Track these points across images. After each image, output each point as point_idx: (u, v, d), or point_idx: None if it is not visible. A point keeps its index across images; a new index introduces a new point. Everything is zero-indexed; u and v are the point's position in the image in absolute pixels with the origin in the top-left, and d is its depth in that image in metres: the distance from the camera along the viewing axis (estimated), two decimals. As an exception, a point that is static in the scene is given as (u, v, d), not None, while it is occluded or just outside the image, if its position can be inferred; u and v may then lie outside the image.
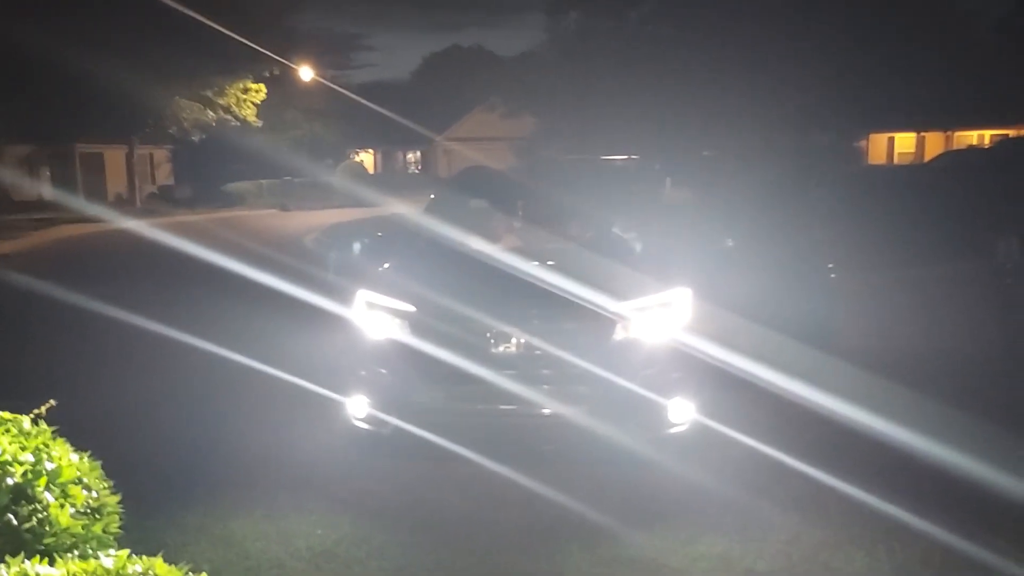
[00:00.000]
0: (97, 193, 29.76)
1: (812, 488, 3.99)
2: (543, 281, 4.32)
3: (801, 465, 4.14)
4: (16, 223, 21.29)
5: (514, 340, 4.21)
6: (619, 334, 4.25)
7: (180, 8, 19.20)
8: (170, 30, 21.33)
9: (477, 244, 5.02)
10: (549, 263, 4.58)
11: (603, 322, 4.23)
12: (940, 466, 3.99)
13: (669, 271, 4.77)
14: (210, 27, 20.31)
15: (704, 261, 5.65)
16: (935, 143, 26.97)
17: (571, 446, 4.34)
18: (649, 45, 18.88)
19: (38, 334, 8.17)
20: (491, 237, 5.13)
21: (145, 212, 26.14)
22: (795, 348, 5.25)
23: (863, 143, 23.83)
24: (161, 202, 29.49)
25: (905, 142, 28.02)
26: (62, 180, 29.42)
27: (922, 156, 26.71)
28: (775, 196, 13.78)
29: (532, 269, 4.47)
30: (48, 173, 30.56)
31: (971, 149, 19.93)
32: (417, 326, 4.34)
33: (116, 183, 31.96)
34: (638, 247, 5.34)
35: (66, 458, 2.67)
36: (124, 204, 28.70)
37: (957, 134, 26.71)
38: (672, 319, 4.35)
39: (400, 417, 4.27)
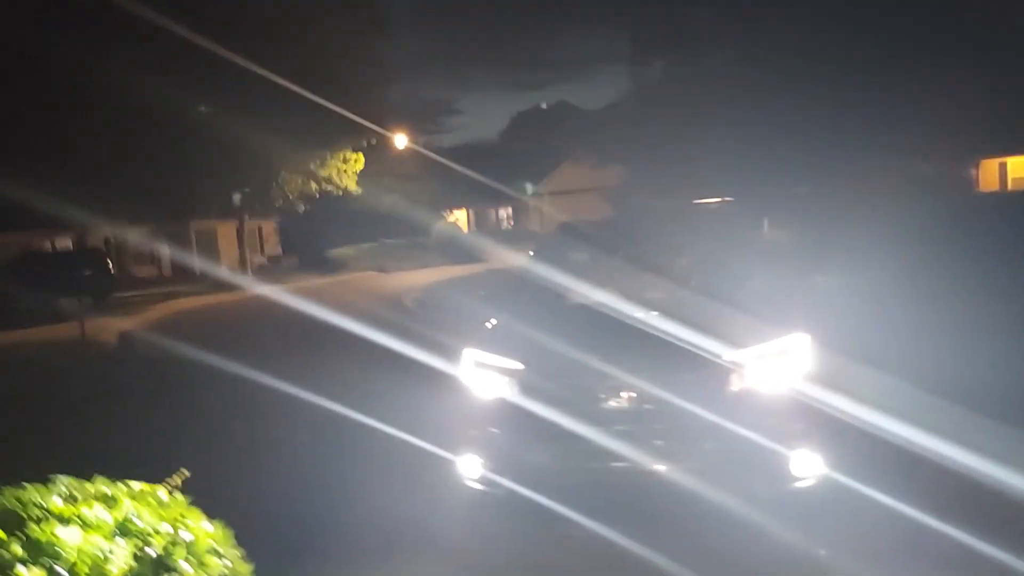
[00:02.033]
0: (211, 266, 31.50)
1: (957, 551, 3.68)
2: (651, 332, 4.24)
3: (942, 525, 3.84)
4: (138, 299, 22.71)
5: (624, 394, 4.14)
6: (735, 384, 4.12)
7: (286, 84, 20.27)
8: (273, 108, 22.53)
9: (581, 297, 5.00)
10: (656, 312, 4.48)
11: (718, 372, 4.10)
12: None
13: (785, 316, 4.59)
14: (311, 103, 21.36)
15: (817, 304, 5.42)
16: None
17: (689, 505, 4.18)
18: (734, 87, 18.70)
19: (165, 402, 8.61)
20: (594, 289, 5.09)
21: (255, 282, 27.41)
22: (920, 394, 4.93)
23: (977, 170, 22.65)
24: (270, 271, 30.92)
25: (1020, 167, 26.45)
26: (179, 256, 31.30)
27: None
28: (879, 230, 13.23)
29: (639, 320, 4.40)
30: (167, 250, 32.57)
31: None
32: (525, 384, 4.34)
33: (228, 256, 33.75)
34: (748, 291, 5.18)
35: (201, 528, 2.77)
36: (236, 275, 30.21)
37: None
38: (791, 366, 4.18)
39: (512, 478, 4.24)
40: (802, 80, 17.49)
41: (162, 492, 2.96)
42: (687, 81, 19.27)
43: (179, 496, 2.96)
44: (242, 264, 30.77)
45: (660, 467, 4.04)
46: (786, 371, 4.16)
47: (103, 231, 29.56)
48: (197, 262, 30.28)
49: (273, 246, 37.91)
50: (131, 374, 10.49)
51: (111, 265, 24.10)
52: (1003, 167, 26.58)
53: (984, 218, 13.71)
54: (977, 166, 23.71)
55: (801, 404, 4.09)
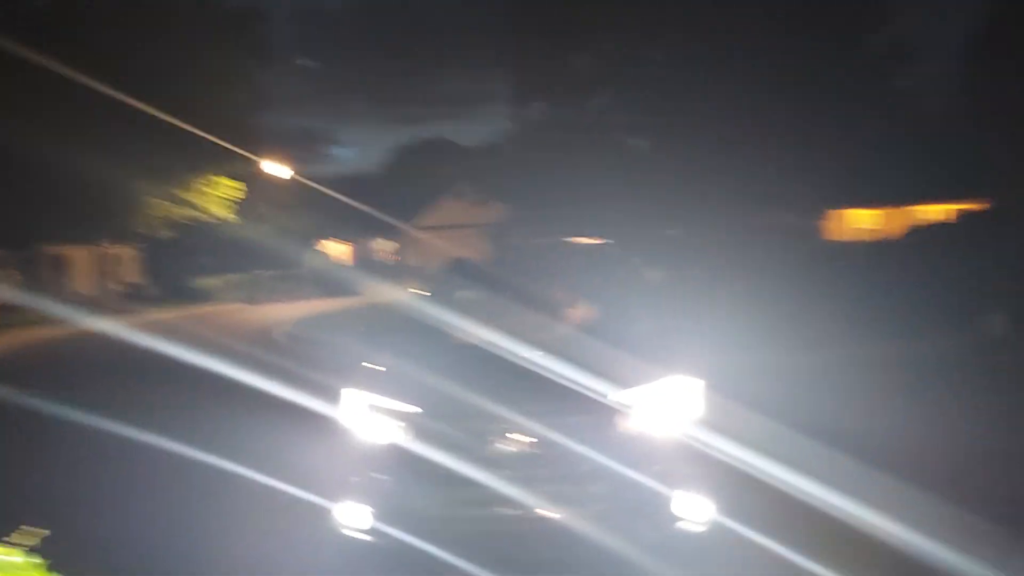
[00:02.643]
0: (64, 294, 29.28)
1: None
2: (540, 373, 4.22)
3: (822, 568, 3.97)
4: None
5: (513, 437, 4.08)
6: (622, 425, 4.14)
7: (150, 109, 19.35)
8: (138, 131, 21.45)
9: (468, 336, 4.93)
10: (544, 353, 4.46)
11: (605, 413, 4.12)
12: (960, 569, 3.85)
13: (673, 357, 4.68)
14: (178, 127, 20.45)
15: (698, 345, 5.58)
16: (897, 218, 27.67)
17: (577, 550, 4.15)
18: (608, 131, 19.38)
19: (10, 448, 7.81)
20: (484, 328, 5.01)
21: (113, 312, 25.66)
22: (796, 435, 5.15)
23: (830, 220, 24.38)
24: (128, 300, 29.05)
25: (867, 218, 28.72)
26: (29, 282, 28.94)
27: (884, 232, 27.36)
28: (743, 274, 13.99)
29: (528, 360, 4.36)
30: (15, 277, 30.04)
31: (936, 224, 20.48)
32: (413, 426, 4.20)
33: (83, 283, 31.50)
34: (632, 331, 5.26)
35: (61, 596, 2.48)
36: (92, 304, 28.20)
37: (918, 209, 27.45)
38: (680, 409, 4.26)
39: (400, 527, 4.07)
40: (672, 128, 18.36)
41: (17, 556, 2.64)
42: (564, 124, 19.80)
43: (38, 560, 2.64)
44: (99, 292, 28.79)
45: (549, 512, 4.00)
46: (672, 412, 4.23)
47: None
48: (49, 290, 28.11)
49: (133, 274, 35.70)
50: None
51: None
52: (852, 218, 28.79)
53: (837, 264, 14.80)
54: (831, 216, 25.52)
55: (687, 446, 4.16)
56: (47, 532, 2.84)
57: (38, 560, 2.64)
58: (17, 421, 8.29)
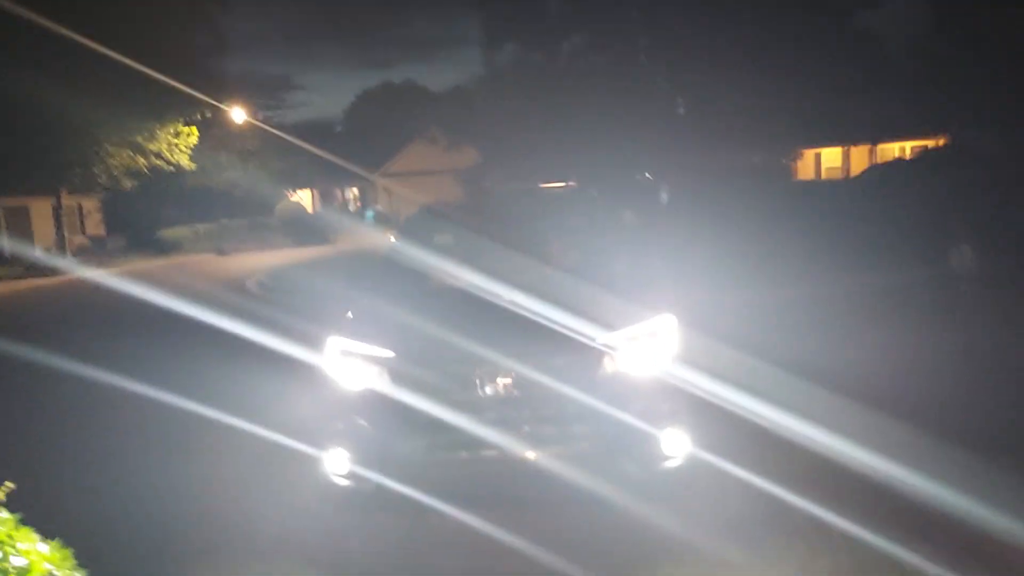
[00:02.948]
0: (23, 248, 28.63)
1: (813, 520, 3.91)
2: (520, 316, 4.19)
3: (798, 498, 4.07)
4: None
5: (496, 381, 4.06)
6: (607, 367, 4.15)
7: (108, 52, 18.70)
8: (96, 75, 20.77)
9: (446, 281, 4.88)
10: (527, 295, 4.43)
11: (589, 355, 4.11)
12: (929, 494, 3.96)
13: (651, 297, 4.68)
14: (137, 71, 19.82)
15: (677, 285, 5.60)
16: (860, 157, 27.93)
17: (562, 490, 4.20)
18: (581, 75, 19.13)
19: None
20: (460, 272, 4.97)
21: (76, 265, 25.20)
22: (777, 371, 5.22)
23: (795, 159, 24.46)
24: (93, 253, 28.50)
25: (832, 157, 28.94)
26: (-16, 236, 28.25)
27: (849, 170, 27.61)
28: (716, 216, 14.03)
29: (510, 303, 4.33)
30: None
31: (897, 161, 20.66)
32: (395, 372, 4.17)
33: (43, 236, 30.79)
34: (611, 273, 5.23)
35: (34, 551, 2.42)
36: (54, 258, 27.63)
37: (880, 147, 27.71)
38: (660, 348, 4.27)
39: (382, 471, 4.07)
40: (644, 72, 18.19)
41: (-17, 510, 2.58)
42: (537, 66, 19.49)
43: (4, 513, 2.58)
44: (60, 245, 28.15)
45: (532, 453, 4.01)
46: (655, 352, 4.24)
47: None
48: (6, 242, 27.43)
49: (96, 226, 34.94)
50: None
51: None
52: (818, 157, 28.98)
53: (802, 203, 14.91)
54: (797, 156, 25.63)
55: (669, 384, 4.19)
56: (13, 486, 2.77)
57: (6, 515, 2.58)
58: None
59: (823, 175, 28.69)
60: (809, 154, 28.17)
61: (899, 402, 5.45)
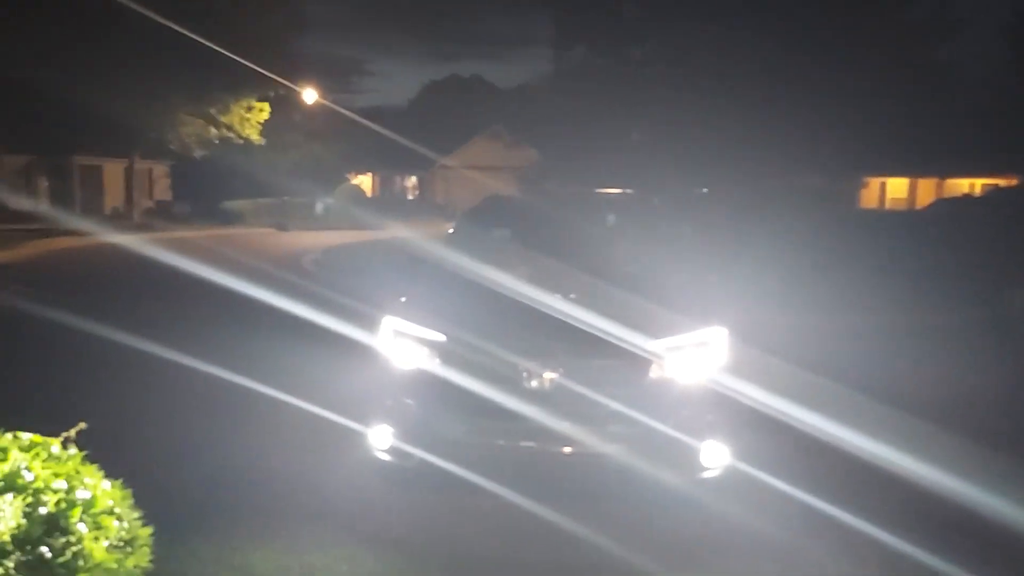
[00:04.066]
0: (94, 206, 29.66)
1: (853, 536, 3.92)
2: (575, 317, 4.27)
3: (841, 512, 4.08)
4: (10, 233, 21.11)
5: (545, 376, 4.15)
6: (653, 373, 4.20)
7: (187, 28, 19.29)
8: (176, 48, 21.41)
9: (504, 275, 4.97)
10: (580, 297, 4.50)
11: (636, 361, 4.17)
12: (984, 513, 3.95)
13: (704, 309, 4.71)
14: (216, 47, 20.40)
15: (730, 298, 5.60)
16: (927, 189, 27.25)
17: (597, 486, 4.28)
18: (649, 84, 19.06)
19: (38, 350, 8.04)
20: (518, 268, 5.06)
21: (142, 227, 26.02)
22: (829, 389, 5.21)
23: (861, 187, 24.01)
24: (158, 217, 29.37)
25: (898, 187, 28.31)
26: (59, 192, 29.30)
27: (914, 202, 26.98)
28: (775, 235, 13.88)
29: (564, 304, 4.41)
30: (46, 184, 30.42)
31: (965, 198, 20.16)
32: (446, 356, 4.29)
33: (114, 197, 31.86)
34: (664, 282, 5.26)
35: (99, 486, 2.60)
36: (120, 218, 28.57)
37: (948, 181, 27.02)
38: (708, 359, 4.30)
39: (425, 449, 4.20)
40: (713, 85, 18.01)
41: (55, 446, 2.76)
42: (605, 71, 19.47)
43: (74, 450, 2.77)
44: (129, 206, 29.08)
45: (569, 449, 4.09)
46: (702, 363, 4.28)
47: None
48: (80, 200, 28.45)
49: (164, 191, 35.98)
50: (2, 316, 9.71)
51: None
52: (883, 186, 28.37)
53: (862, 231, 14.66)
54: (862, 184, 25.14)
55: (714, 395, 4.22)
56: (85, 426, 2.96)
57: (75, 451, 2.76)
58: (55, 322, 8.49)
59: (887, 205, 28.08)
60: (875, 182, 27.59)
61: (943, 416, 5.42)
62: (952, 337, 8.62)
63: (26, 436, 2.76)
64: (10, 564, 2.08)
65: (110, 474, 2.77)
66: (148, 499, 2.85)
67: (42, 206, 30.91)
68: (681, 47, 18.70)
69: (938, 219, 14.25)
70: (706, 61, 18.18)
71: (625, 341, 4.11)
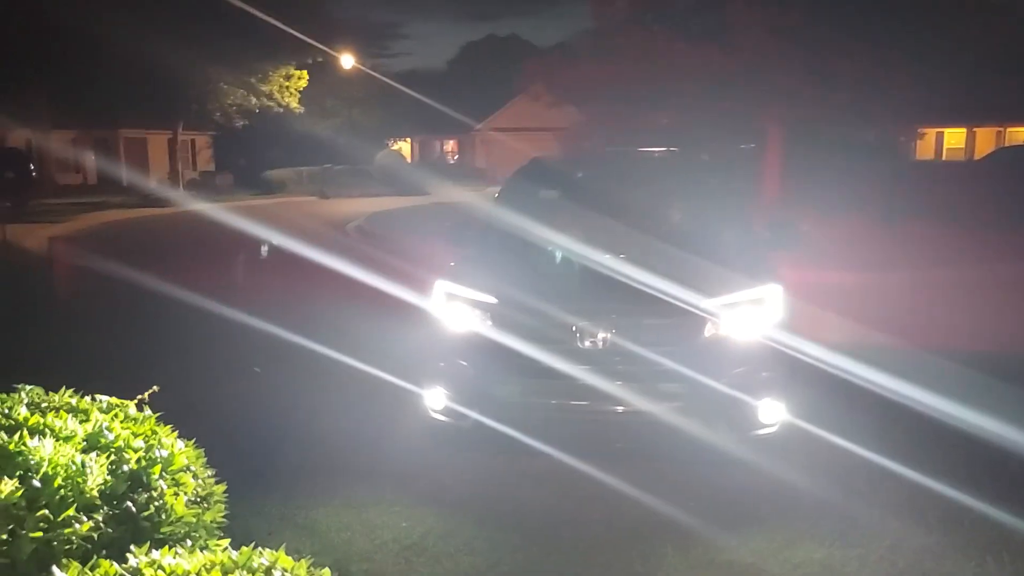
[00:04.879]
0: (140, 178, 30.21)
1: (910, 492, 3.85)
2: (627, 276, 4.21)
3: (898, 467, 4.01)
4: (60, 207, 21.63)
5: (599, 335, 4.11)
6: (708, 331, 4.14)
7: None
8: (214, 16, 21.52)
9: (554, 236, 4.92)
10: (632, 257, 4.44)
11: (691, 319, 4.10)
12: None
13: (759, 266, 4.62)
14: (253, 14, 20.45)
15: (782, 254, 5.48)
16: (986, 139, 26.31)
17: (652, 445, 4.26)
18: (692, 36, 18.58)
19: (111, 316, 8.26)
20: (567, 229, 5.01)
21: (188, 197, 26.44)
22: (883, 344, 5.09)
23: (916, 138, 23.27)
24: (202, 188, 29.82)
25: (955, 138, 27.39)
26: (105, 166, 29.88)
27: (973, 152, 26.08)
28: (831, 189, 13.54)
29: (615, 263, 4.36)
30: (92, 157, 31.04)
31: (1028, 145, 19.42)
32: (499, 318, 4.27)
33: (158, 169, 32.39)
34: (717, 240, 5.16)
35: (174, 446, 2.65)
36: (166, 190, 29.08)
37: (1009, 130, 26.04)
38: (763, 316, 4.22)
39: (479, 411, 4.21)
40: (758, 39, 17.50)
41: (131, 407, 2.83)
42: (648, 24, 19.01)
43: (148, 412, 2.83)
44: (173, 178, 29.57)
45: (625, 408, 4.06)
46: (758, 320, 4.20)
47: (24, 133, 27.86)
48: (125, 172, 28.98)
49: (207, 161, 36.49)
50: (66, 284, 10.00)
51: (33, 169, 22.71)
52: (940, 136, 27.48)
53: (921, 183, 14.24)
54: (918, 135, 24.37)
55: (771, 352, 4.15)
56: (157, 389, 3.03)
57: (150, 413, 2.82)
58: (115, 289, 8.70)
59: (944, 156, 27.21)
60: (931, 133, 26.73)
61: (1008, 371, 5.27)
62: (1015, 290, 8.35)
63: (104, 399, 2.84)
64: (99, 518, 2.13)
65: (183, 435, 2.83)
66: (217, 458, 2.91)
67: (89, 180, 31.65)
68: (724, 2, 18.18)
69: (999, 168, 13.74)
70: (752, 15, 17.67)
71: (679, 299, 4.05)
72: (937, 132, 27.01)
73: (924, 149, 26.44)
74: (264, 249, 17.62)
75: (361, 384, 5.49)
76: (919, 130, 23.48)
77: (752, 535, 3.55)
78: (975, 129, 26.65)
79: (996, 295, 8.27)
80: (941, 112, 22.50)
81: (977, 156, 24.02)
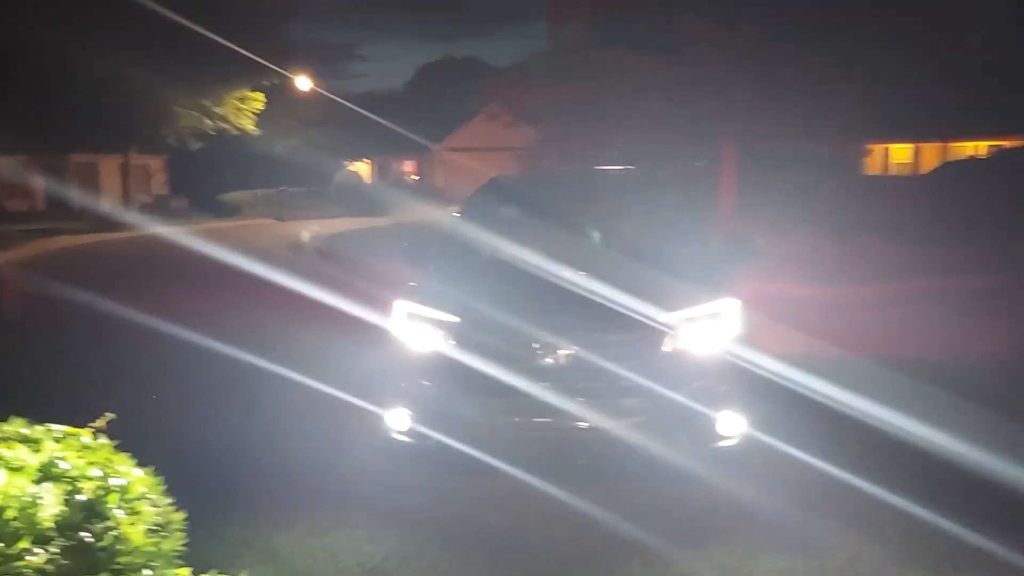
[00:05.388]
0: (90, 203, 29.58)
1: (868, 503, 3.92)
2: (587, 291, 4.26)
3: (855, 479, 4.09)
4: (8, 234, 21.02)
5: (560, 352, 4.14)
6: (668, 346, 4.19)
7: (177, 17, 19.17)
8: (168, 39, 21.30)
9: (512, 254, 4.95)
10: (591, 273, 4.48)
11: (651, 334, 4.15)
12: (997, 482, 3.94)
13: (717, 281, 4.70)
14: (207, 36, 20.28)
15: (738, 269, 5.58)
16: (931, 154, 27.12)
17: (614, 460, 4.28)
18: (645, 57, 18.90)
19: (64, 343, 8.05)
20: (527, 247, 5.04)
21: (140, 223, 25.94)
22: (842, 357, 5.20)
23: (864, 154, 23.86)
24: (156, 212, 29.29)
25: (902, 153, 28.20)
26: (56, 190, 29.21)
27: (918, 167, 26.87)
28: (783, 205, 13.83)
29: (574, 279, 4.40)
30: (42, 183, 30.35)
31: (971, 160, 20.04)
32: (460, 337, 4.28)
33: (111, 193, 31.73)
34: (675, 255, 5.24)
35: (131, 474, 2.60)
36: (119, 214, 28.50)
37: (952, 145, 26.87)
38: (722, 330, 4.29)
39: (442, 431, 4.19)
40: (709, 55, 17.86)
41: (85, 436, 2.76)
42: (604, 45, 19.30)
43: (104, 439, 2.77)
44: (126, 202, 29.01)
45: (588, 424, 4.09)
46: (716, 334, 4.27)
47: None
48: (76, 198, 28.36)
49: (161, 185, 35.87)
50: (15, 312, 9.72)
51: (-22, 195, 22.10)
52: (887, 152, 28.25)
53: (869, 198, 14.61)
54: (865, 150, 24.99)
55: (729, 366, 4.21)
56: (113, 416, 2.96)
57: (106, 441, 2.76)
58: (67, 316, 8.50)
59: (891, 171, 27.98)
60: (878, 149, 27.45)
61: (957, 382, 5.43)
62: (964, 301, 8.60)
63: (57, 428, 2.77)
64: (54, 549, 2.08)
65: (140, 462, 2.77)
66: (175, 485, 2.85)
67: (39, 205, 30.91)
68: (677, 20, 18.53)
69: (945, 183, 14.16)
70: (704, 33, 18.03)
71: (640, 314, 4.10)
72: (885, 147, 27.78)
73: (873, 164, 27.13)
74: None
75: (322, 407, 5.44)
76: (867, 146, 24.09)
77: (713, 549, 3.59)
78: (921, 145, 27.48)
79: (945, 307, 8.50)
80: (888, 128, 23.17)
81: (923, 171, 24.75)
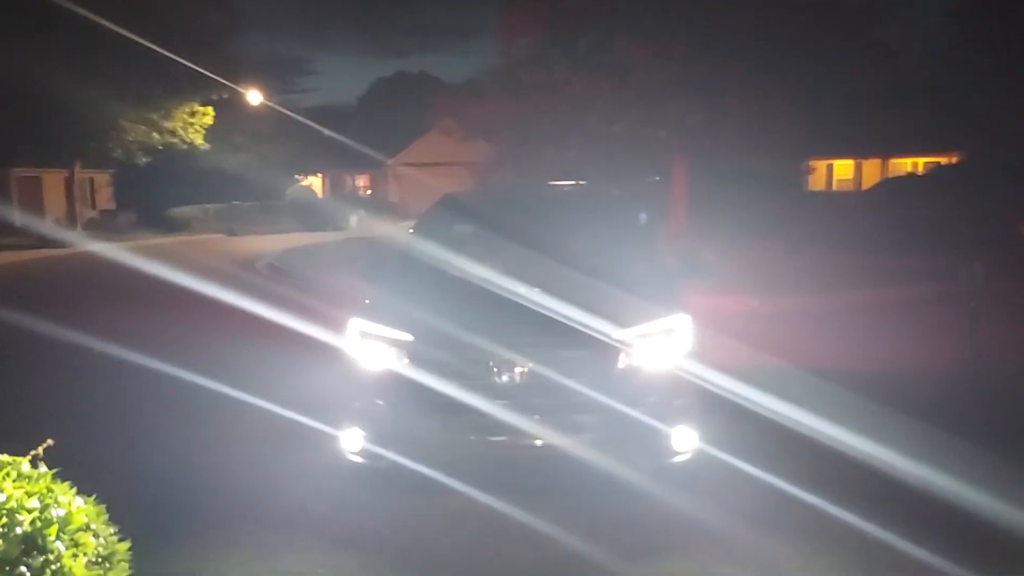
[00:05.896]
0: (34, 219, 28.71)
1: (817, 515, 3.99)
2: (541, 308, 4.27)
3: (804, 492, 4.16)
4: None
5: (515, 369, 4.14)
6: (622, 362, 4.22)
7: (125, 30, 18.81)
8: (115, 51, 20.89)
9: (467, 271, 4.94)
10: (545, 289, 4.49)
11: (605, 350, 4.17)
12: (938, 492, 4.05)
13: (669, 296, 4.75)
14: (156, 50, 19.94)
15: (690, 285, 5.65)
16: (872, 170, 27.95)
17: (569, 477, 4.29)
18: (595, 73, 19.12)
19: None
20: (482, 264, 5.03)
21: (85, 238, 25.28)
22: (787, 370, 5.30)
23: (808, 170, 24.49)
24: (102, 227, 28.58)
25: (843, 169, 28.99)
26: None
27: (860, 183, 27.66)
28: (731, 219, 14.10)
29: (527, 296, 4.40)
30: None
31: (910, 177, 20.70)
32: (414, 356, 4.25)
33: (55, 208, 30.88)
34: (628, 271, 5.28)
35: (72, 503, 2.52)
36: (62, 231, 27.72)
37: (892, 161, 27.74)
38: (674, 346, 4.34)
39: (396, 450, 4.16)
40: (659, 74, 18.16)
41: (24, 464, 2.67)
42: (553, 61, 19.48)
43: (44, 468, 2.68)
44: (71, 217, 28.25)
45: (544, 441, 4.09)
46: (669, 350, 4.31)
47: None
48: (18, 213, 27.51)
49: (107, 200, 35.00)
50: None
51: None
52: (830, 168, 29.02)
53: (813, 213, 15.00)
54: (808, 167, 25.64)
55: (681, 381, 4.26)
56: (52, 443, 2.87)
57: (45, 468, 2.67)
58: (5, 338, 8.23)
59: (834, 186, 28.74)
60: (821, 165, 28.17)
61: (902, 400, 5.57)
62: (901, 312, 8.86)
63: (-8, 456, 2.67)
64: (-10, 587, 2.00)
65: (82, 490, 2.69)
66: (119, 513, 2.77)
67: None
68: (628, 35, 18.79)
69: (885, 198, 14.61)
70: (653, 49, 18.33)
71: (593, 331, 4.12)
72: (828, 163, 28.54)
73: (817, 180, 27.84)
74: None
75: (273, 428, 5.36)
76: (811, 162, 24.72)
77: (669, 563, 3.63)
78: (862, 161, 28.31)
79: (881, 318, 8.75)
80: (830, 144, 23.81)
81: (865, 186, 25.49)
